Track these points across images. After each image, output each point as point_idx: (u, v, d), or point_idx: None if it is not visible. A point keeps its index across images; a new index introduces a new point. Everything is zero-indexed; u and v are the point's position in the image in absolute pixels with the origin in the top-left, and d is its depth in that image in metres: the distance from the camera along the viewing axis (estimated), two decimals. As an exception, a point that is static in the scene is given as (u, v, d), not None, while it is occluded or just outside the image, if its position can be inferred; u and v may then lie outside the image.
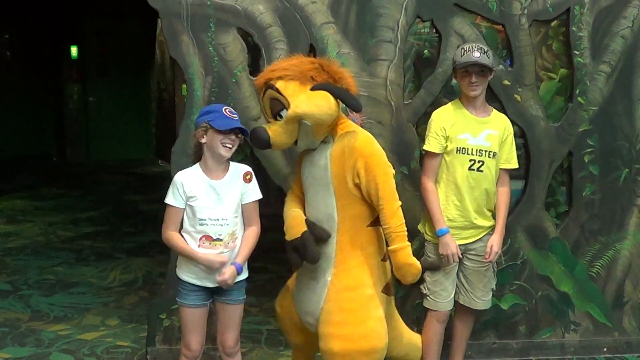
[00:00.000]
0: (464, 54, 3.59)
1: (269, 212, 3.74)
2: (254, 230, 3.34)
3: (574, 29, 4.12)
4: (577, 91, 4.16)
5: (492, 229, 3.72)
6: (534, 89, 4.15)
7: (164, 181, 3.50)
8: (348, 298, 3.21)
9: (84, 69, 12.75)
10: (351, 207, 3.21)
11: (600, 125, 4.20)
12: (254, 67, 4.00)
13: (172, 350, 4.07)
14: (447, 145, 3.63)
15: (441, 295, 3.75)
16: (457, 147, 3.62)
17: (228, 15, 3.92)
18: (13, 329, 4.74)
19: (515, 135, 4.10)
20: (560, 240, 4.27)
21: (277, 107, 3.12)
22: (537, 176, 4.20)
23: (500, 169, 3.73)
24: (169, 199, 3.24)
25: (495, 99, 4.11)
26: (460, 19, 4.08)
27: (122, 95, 12.76)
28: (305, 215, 3.30)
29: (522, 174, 4.23)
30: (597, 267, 4.32)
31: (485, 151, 3.62)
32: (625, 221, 4.31)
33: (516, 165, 3.78)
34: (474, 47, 3.59)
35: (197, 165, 3.27)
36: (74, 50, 12.64)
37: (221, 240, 3.23)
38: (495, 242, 3.69)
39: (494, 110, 3.76)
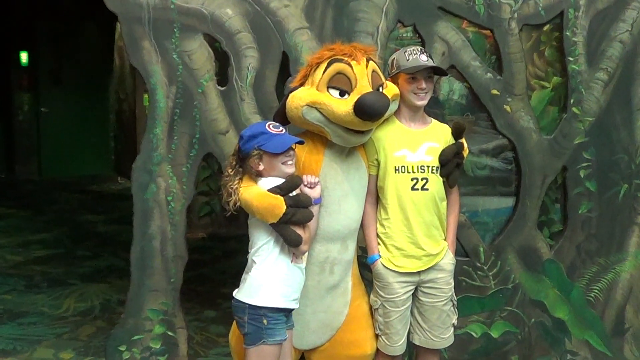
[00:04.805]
0: (409, 57, 3.28)
1: (240, 232, 3.88)
2: None
3: (568, 33, 4.05)
4: (572, 101, 4.09)
5: (445, 254, 3.43)
6: (525, 98, 4.06)
7: (124, 200, 3.28)
8: (365, 300, 3.54)
9: (36, 77, 12.59)
10: None
11: (597, 138, 4.12)
12: (222, 77, 3.93)
13: (132, 387, 3.94)
14: (382, 167, 3.35)
15: (392, 339, 3.44)
16: (395, 167, 3.31)
17: (193, 20, 3.84)
18: (-44, 365, 4.53)
19: (505, 148, 4.10)
20: (555, 262, 4.18)
21: (378, 81, 3.23)
22: (529, 193, 4.11)
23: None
24: None
25: (484, 110, 4.06)
26: (445, 24, 4.00)
27: (77, 106, 12.59)
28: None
29: (513, 190, 4.19)
30: (595, 291, 4.23)
31: (428, 167, 3.31)
32: (625, 241, 4.21)
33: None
34: (418, 50, 3.31)
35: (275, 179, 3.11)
36: (24, 56, 12.48)
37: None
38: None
39: (434, 121, 3.48)
